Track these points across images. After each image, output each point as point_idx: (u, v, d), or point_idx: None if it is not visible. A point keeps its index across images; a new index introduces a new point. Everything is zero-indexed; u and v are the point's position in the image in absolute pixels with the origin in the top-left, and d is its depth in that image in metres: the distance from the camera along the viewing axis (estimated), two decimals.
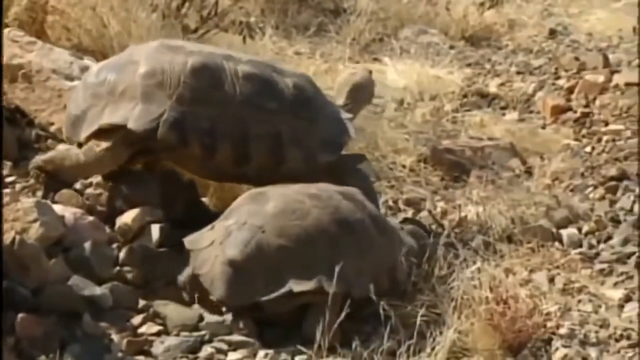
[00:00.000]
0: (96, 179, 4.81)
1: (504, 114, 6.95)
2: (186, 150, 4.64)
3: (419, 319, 4.04)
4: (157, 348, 4.09)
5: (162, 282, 4.46)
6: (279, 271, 4.18)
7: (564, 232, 5.23)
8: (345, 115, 5.00)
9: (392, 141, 6.08)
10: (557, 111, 6.83)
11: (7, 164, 4.89)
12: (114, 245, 4.55)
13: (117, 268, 4.45)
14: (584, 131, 6.56)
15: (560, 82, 7.27)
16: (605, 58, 7.44)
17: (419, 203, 5.55)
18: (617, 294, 4.65)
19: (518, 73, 7.67)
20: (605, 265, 4.92)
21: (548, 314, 4.40)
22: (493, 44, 8.41)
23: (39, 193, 4.76)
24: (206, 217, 4.66)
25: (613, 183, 5.74)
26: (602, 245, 5.14)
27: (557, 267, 4.88)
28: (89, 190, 4.79)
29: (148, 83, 4.64)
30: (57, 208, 4.56)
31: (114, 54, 5.54)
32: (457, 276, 4.32)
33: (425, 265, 4.51)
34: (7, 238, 4.09)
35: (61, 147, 5.07)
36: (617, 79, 7.01)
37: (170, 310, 4.29)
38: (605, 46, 8.08)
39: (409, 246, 4.54)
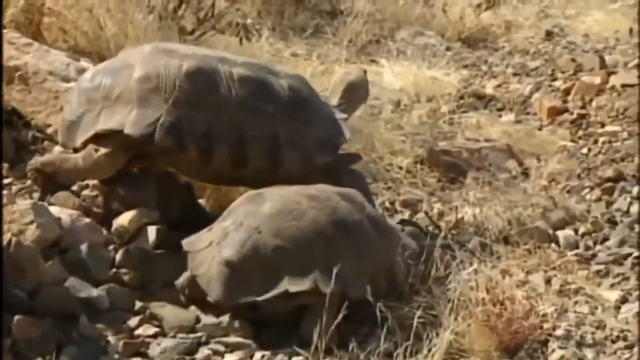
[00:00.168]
0: (92, 180, 4.81)
1: (500, 116, 6.95)
2: (183, 155, 4.65)
3: (415, 320, 4.04)
4: (154, 350, 4.09)
5: (159, 283, 4.46)
6: (275, 271, 4.18)
7: (561, 234, 5.23)
8: (340, 115, 5.01)
9: (388, 143, 6.08)
10: (554, 112, 6.83)
11: (4, 166, 4.89)
12: (111, 247, 4.55)
13: (114, 270, 4.46)
14: (580, 132, 6.56)
15: (557, 83, 7.27)
16: (602, 59, 7.45)
17: (415, 204, 5.55)
18: (614, 295, 4.65)
19: (514, 74, 7.67)
20: (601, 267, 4.92)
21: (544, 315, 4.40)
22: (490, 46, 8.41)
23: (36, 195, 4.76)
24: (203, 219, 4.66)
25: (609, 184, 5.74)
26: (598, 247, 5.14)
27: (554, 269, 4.88)
28: (86, 192, 4.79)
29: (144, 87, 4.63)
30: (54, 210, 4.56)
31: (111, 56, 5.54)
32: (453, 277, 4.32)
33: (422, 267, 4.50)
34: (4, 240, 4.09)
35: (58, 148, 5.07)
36: (614, 80, 7.01)
37: (167, 312, 4.29)
38: (602, 48, 8.08)
39: (409, 248, 4.54)
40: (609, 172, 5.86)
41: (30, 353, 3.87)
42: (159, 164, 4.84)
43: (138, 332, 4.18)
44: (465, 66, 7.86)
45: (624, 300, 4.61)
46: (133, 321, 4.22)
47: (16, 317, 3.91)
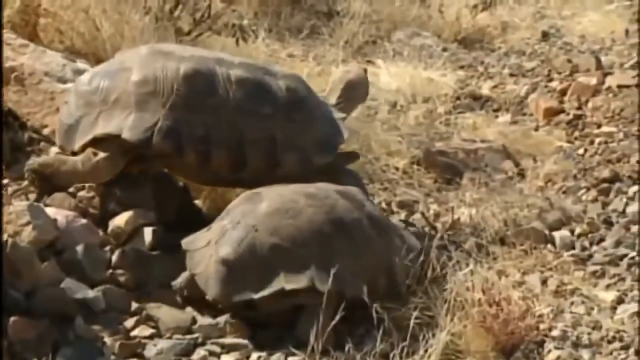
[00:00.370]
0: None
1: (496, 116, 6.96)
2: (181, 158, 4.64)
3: (412, 321, 4.05)
4: (150, 351, 4.09)
5: (155, 284, 4.45)
6: (271, 269, 4.19)
7: (557, 234, 5.24)
8: (338, 115, 5.00)
9: (385, 143, 6.08)
10: (550, 113, 6.84)
11: None
12: (107, 248, 4.55)
13: (110, 271, 4.45)
14: (576, 133, 6.57)
15: (553, 84, 7.28)
16: (598, 60, 7.46)
17: (412, 205, 5.55)
18: (610, 295, 4.66)
19: (511, 75, 7.68)
20: (597, 267, 4.93)
21: (541, 316, 4.41)
22: (486, 47, 8.42)
23: (32, 196, 4.75)
24: (199, 220, 4.67)
25: (605, 185, 5.75)
26: (594, 247, 5.15)
27: (550, 269, 4.88)
28: (82, 193, 4.78)
29: (141, 91, 4.63)
30: (50, 211, 4.55)
31: (107, 57, 5.54)
32: (450, 278, 4.32)
33: (419, 268, 4.50)
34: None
35: (54, 149, 5.06)
36: (610, 81, 7.02)
37: (163, 312, 4.29)
38: (598, 48, 8.09)
39: (413, 247, 4.53)
40: (605, 173, 5.87)
41: (26, 354, 3.87)
42: (157, 166, 4.84)
43: (134, 333, 4.18)
44: (462, 67, 7.87)
45: (620, 300, 4.62)
46: (129, 322, 4.21)
47: (12, 318, 3.90)
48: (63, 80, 5.36)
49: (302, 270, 4.19)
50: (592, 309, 4.57)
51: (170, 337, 4.18)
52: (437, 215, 5.42)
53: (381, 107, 6.67)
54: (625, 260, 4.96)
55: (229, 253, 4.21)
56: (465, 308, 4.19)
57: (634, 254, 4.99)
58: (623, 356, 4.23)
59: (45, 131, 5.24)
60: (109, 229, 4.62)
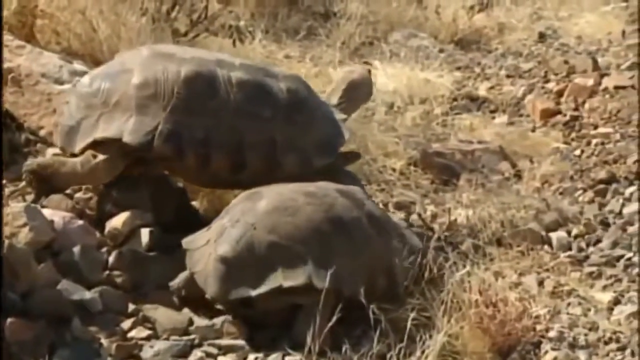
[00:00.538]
0: None
1: (493, 118, 6.96)
2: (181, 161, 4.64)
3: (409, 322, 4.04)
4: (147, 352, 4.09)
5: (152, 286, 4.46)
6: (269, 267, 4.19)
7: (554, 235, 5.24)
8: (339, 115, 5.00)
9: (382, 144, 6.08)
10: (547, 114, 6.85)
11: None
12: (104, 250, 4.55)
13: (107, 272, 4.45)
14: (573, 134, 6.58)
15: (550, 85, 7.29)
16: (595, 61, 7.47)
17: (408, 206, 5.55)
18: (606, 296, 4.66)
19: (508, 76, 7.69)
20: (594, 268, 4.93)
21: (537, 317, 4.41)
22: (483, 48, 8.43)
23: (29, 197, 4.75)
24: (196, 221, 4.67)
25: (602, 186, 5.75)
26: (591, 248, 5.15)
27: (547, 270, 4.88)
28: (79, 195, 4.79)
29: (142, 94, 4.62)
30: (47, 212, 4.55)
31: (104, 58, 5.54)
32: (447, 279, 4.32)
33: (416, 269, 4.50)
34: None
35: (51, 150, 5.06)
36: (607, 82, 7.03)
37: (160, 314, 4.29)
38: (595, 49, 8.10)
39: (416, 247, 4.53)
40: (602, 174, 5.87)
41: (22, 355, 3.86)
42: (156, 169, 4.84)
43: (131, 334, 4.18)
44: (459, 68, 7.88)
45: (616, 301, 4.62)
46: (126, 323, 4.21)
47: (9, 320, 3.90)
48: (60, 82, 5.36)
49: (300, 268, 4.19)
50: (589, 310, 4.57)
51: (167, 339, 4.18)
52: (434, 217, 5.42)
53: (378, 108, 6.68)
54: (622, 261, 4.96)
55: (227, 251, 4.22)
56: (462, 309, 4.19)
57: (630, 255, 4.99)
58: (620, 357, 4.23)
59: (42, 132, 5.24)
60: (106, 230, 4.61)
